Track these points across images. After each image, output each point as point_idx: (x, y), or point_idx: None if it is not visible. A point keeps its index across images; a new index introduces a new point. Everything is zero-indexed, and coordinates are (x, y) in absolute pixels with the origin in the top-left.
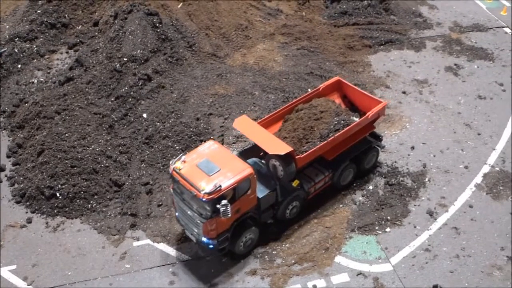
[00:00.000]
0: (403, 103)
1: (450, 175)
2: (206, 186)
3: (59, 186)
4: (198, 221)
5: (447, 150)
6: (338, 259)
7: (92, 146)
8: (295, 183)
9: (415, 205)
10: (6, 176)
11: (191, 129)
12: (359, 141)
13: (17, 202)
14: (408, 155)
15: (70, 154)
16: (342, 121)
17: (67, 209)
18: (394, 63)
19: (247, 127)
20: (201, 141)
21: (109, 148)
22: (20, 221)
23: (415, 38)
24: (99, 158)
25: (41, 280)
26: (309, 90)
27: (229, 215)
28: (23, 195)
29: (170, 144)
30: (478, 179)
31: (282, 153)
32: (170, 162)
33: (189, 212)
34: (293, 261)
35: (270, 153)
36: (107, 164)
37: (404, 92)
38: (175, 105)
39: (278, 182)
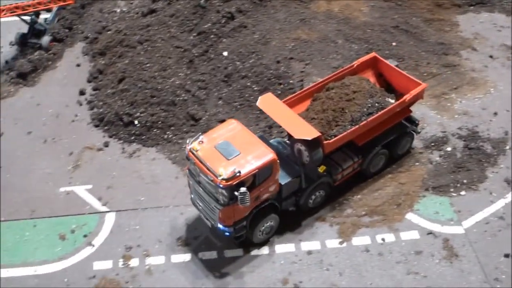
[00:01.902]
0: (489, 67)
1: None
2: (224, 171)
3: (138, 114)
4: (214, 207)
5: None
6: (409, 216)
7: (172, 79)
8: (321, 169)
9: (493, 172)
10: (86, 99)
11: (271, 72)
12: (393, 125)
13: (96, 126)
14: (490, 120)
15: (150, 84)
16: (376, 104)
17: (143, 137)
18: (483, 25)
19: (272, 106)
20: (280, 84)
21: (188, 82)
22: (98, 144)
23: (508, 1)
24: (178, 91)
25: (115, 202)
26: (393, 44)
27: (248, 203)
28: (102, 119)
29: (248, 84)
30: None
31: (309, 138)
32: (187, 141)
33: (205, 197)
34: (363, 212)
35: (295, 137)
36: (185, 98)
37: (491, 56)
38: (256, 46)
39: (303, 168)
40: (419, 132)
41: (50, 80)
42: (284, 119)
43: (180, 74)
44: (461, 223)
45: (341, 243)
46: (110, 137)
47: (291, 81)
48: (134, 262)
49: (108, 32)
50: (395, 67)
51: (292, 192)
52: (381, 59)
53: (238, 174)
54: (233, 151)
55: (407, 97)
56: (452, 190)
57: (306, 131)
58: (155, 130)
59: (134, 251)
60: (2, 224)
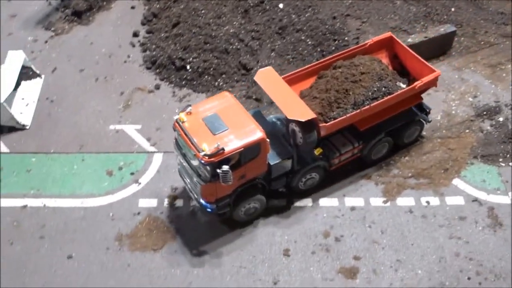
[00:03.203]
0: None
1: None
2: (207, 147)
3: (190, 59)
4: (197, 182)
5: None
6: (456, 181)
7: (226, 27)
8: (317, 152)
9: None
10: (139, 41)
11: (326, 27)
12: (401, 112)
13: (148, 68)
14: None
15: (205, 31)
16: (383, 88)
17: (194, 82)
18: None
19: (270, 81)
20: (335, 40)
21: (242, 32)
22: (149, 86)
23: None
24: (232, 40)
25: (163, 143)
26: (452, 9)
27: (230, 182)
28: (154, 62)
29: (303, 38)
30: None
31: (302, 120)
32: (176, 111)
33: (189, 170)
34: (409, 174)
35: (288, 117)
36: (238, 47)
37: None
38: (312, 0)
39: (296, 149)
40: (429, 121)
41: (104, 21)
42: (280, 97)
43: (234, 22)
44: (507, 193)
45: (385, 202)
46: (162, 80)
47: (346, 38)
48: (179, 203)
49: None
50: (409, 49)
51: (283, 173)
52: (397, 40)
53: (221, 151)
54: (221, 125)
55: (418, 83)
56: (501, 160)
57: (301, 112)
58: (206, 76)
59: (179, 192)
60: (51, 155)
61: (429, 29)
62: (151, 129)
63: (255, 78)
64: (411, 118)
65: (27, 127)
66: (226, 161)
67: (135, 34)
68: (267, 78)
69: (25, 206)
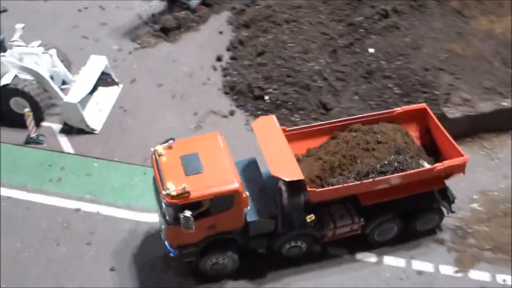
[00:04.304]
0: None
1: None
2: (172, 187)
3: (270, 90)
4: (162, 222)
5: None
6: None
7: (312, 63)
8: (309, 218)
9: None
10: (221, 66)
11: (417, 78)
12: (416, 195)
13: (226, 93)
14: None
15: (289, 64)
16: (396, 163)
17: (270, 114)
18: None
19: (266, 131)
20: (424, 92)
21: (327, 71)
22: (223, 111)
23: None
24: (315, 77)
25: None
26: None
27: (191, 229)
28: (233, 88)
29: (390, 85)
30: None
31: (286, 179)
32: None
33: (159, 208)
34: (487, 246)
35: (272, 174)
36: (321, 85)
37: None
38: (405, 49)
39: (281, 209)
40: (452, 212)
41: (191, 41)
42: (271, 150)
43: (320, 60)
44: None
45: (456, 272)
46: (237, 106)
47: (436, 92)
48: None
49: (257, 6)
50: (441, 126)
51: (264, 233)
52: (431, 113)
53: (186, 194)
54: (197, 167)
55: (438, 166)
56: None
57: (288, 170)
58: (283, 109)
59: None
60: (114, 164)
61: None
62: None
63: (253, 124)
64: (429, 205)
65: (96, 132)
66: (191, 206)
67: (219, 59)
68: (265, 126)
69: (78, 210)
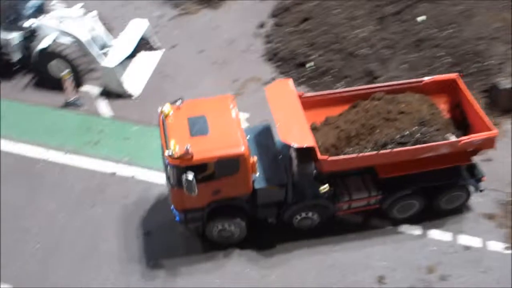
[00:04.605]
0: None
1: None
2: (176, 147)
3: (314, 56)
4: (167, 184)
5: None
6: None
7: (358, 30)
8: (323, 189)
9: None
10: (264, 33)
11: (469, 46)
12: (439, 170)
13: (268, 60)
14: None
15: (335, 30)
16: (418, 134)
17: (314, 81)
18: None
19: (280, 94)
20: (476, 62)
21: (375, 38)
22: (264, 78)
23: None
24: (362, 44)
25: None
26: None
27: (194, 193)
28: (276, 54)
29: (441, 54)
30: None
31: (294, 145)
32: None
33: (164, 169)
34: None
35: (281, 139)
36: (368, 52)
37: None
38: (457, 17)
39: (292, 178)
40: (481, 191)
41: (233, 8)
42: (283, 115)
43: (367, 27)
44: None
45: (506, 248)
46: (280, 74)
47: (489, 62)
48: None
49: None
50: (471, 98)
51: (273, 202)
52: (462, 85)
53: (189, 156)
54: (203, 129)
55: (463, 139)
56: None
57: (298, 136)
58: (327, 77)
59: None
60: (152, 128)
61: None
62: (259, 119)
63: (267, 87)
64: (453, 181)
65: (135, 97)
66: (194, 168)
67: (261, 26)
68: (279, 90)
69: (114, 173)
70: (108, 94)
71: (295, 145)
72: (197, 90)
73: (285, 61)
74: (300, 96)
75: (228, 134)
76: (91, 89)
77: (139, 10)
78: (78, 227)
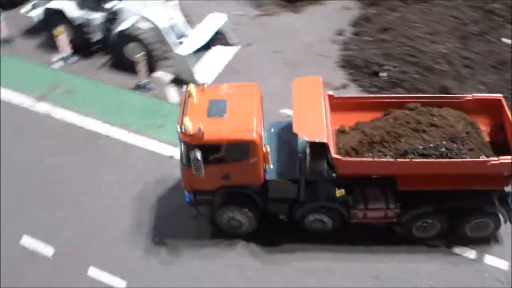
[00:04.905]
0: None
1: None
2: (188, 123)
3: (389, 67)
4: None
5: None
6: None
7: (438, 46)
8: (339, 193)
9: None
10: (341, 40)
11: None
12: (466, 191)
13: (341, 66)
14: None
15: (413, 43)
16: (444, 149)
17: (385, 92)
18: None
19: (306, 89)
20: None
21: (454, 55)
22: (335, 84)
23: None
24: (440, 60)
25: None
26: None
27: (199, 172)
28: (350, 61)
29: None
30: None
31: (306, 138)
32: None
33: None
34: None
35: (294, 131)
36: (445, 69)
37: None
38: None
39: (304, 174)
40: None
41: (315, 13)
42: (303, 108)
43: (448, 44)
44: None
45: None
46: (352, 81)
47: None
48: None
49: None
50: None
51: (285, 197)
52: (505, 106)
53: (200, 134)
54: (221, 111)
55: (492, 160)
56: None
57: (311, 130)
58: (399, 89)
59: None
60: None
61: None
62: None
63: (294, 81)
64: (481, 206)
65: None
66: (204, 148)
67: (340, 33)
68: (306, 85)
69: (171, 157)
70: (178, 82)
71: (306, 138)
72: (265, 88)
73: (358, 69)
74: (331, 97)
75: (244, 119)
76: (163, 75)
77: (220, 6)
78: (131, 201)
